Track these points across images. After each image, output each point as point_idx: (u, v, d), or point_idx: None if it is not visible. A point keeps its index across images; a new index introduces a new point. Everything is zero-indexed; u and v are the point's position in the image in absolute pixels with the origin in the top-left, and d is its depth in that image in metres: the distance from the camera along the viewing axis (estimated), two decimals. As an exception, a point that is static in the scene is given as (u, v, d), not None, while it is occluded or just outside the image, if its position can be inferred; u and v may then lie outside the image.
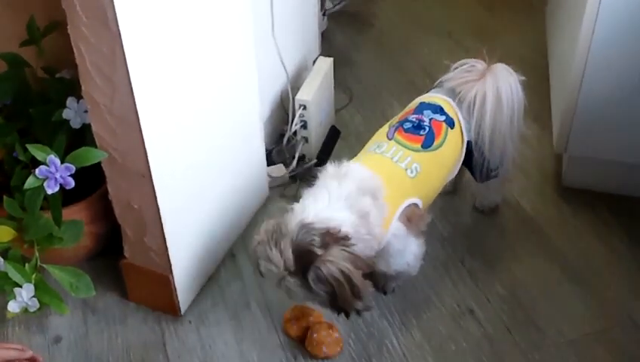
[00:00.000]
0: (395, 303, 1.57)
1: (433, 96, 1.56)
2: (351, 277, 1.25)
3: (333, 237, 1.26)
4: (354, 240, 1.28)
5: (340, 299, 1.26)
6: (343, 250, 1.26)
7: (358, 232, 1.30)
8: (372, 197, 1.34)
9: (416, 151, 1.44)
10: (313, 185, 1.40)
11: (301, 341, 1.48)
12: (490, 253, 1.68)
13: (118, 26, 1.12)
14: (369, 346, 1.48)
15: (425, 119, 1.49)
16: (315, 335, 1.46)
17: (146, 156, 1.30)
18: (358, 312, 1.33)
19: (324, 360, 1.46)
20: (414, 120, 1.49)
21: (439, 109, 1.51)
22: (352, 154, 1.51)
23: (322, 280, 1.24)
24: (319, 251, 1.24)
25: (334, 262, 1.24)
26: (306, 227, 1.27)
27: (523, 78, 1.54)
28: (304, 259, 1.24)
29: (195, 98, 1.42)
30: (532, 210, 1.79)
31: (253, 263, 1.36)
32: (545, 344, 1.47)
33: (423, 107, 1.53)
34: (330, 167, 1.40)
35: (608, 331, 1.49)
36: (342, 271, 1.24)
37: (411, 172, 1.41)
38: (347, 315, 1.32)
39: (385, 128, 1.52)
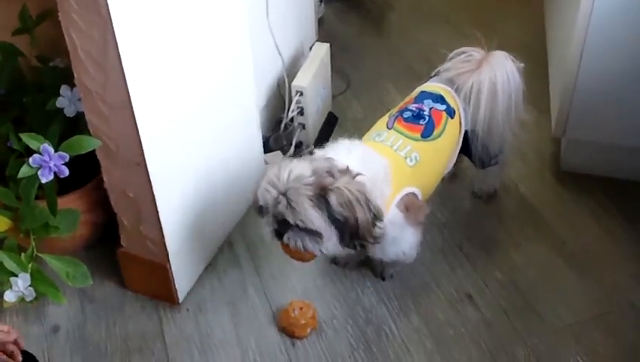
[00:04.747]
0: (393, 289, 1.57)
1: (434, 85, 1.55)
2: (369, 200, 1.24)
3: (350, 175, 1.27)
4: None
5: (360, 221, 1.24)
6: (357, 182, 1.27)
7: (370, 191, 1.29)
8: (384, 172, 1.34)
9: (416, 140, 1.43)
10: (327, 145, 1.40)
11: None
12: (489, 239, 1.68)
13: (108, 11, 1.11)
14: (367, 332, 1.48)
15: (425, 108, 1.48)
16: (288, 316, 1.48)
17: (141, 144, 1.29)
18: (358, 245, 1.30)
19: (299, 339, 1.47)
20: (414, 109, 1.48)
21: (440, 98, 1.50)
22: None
23: (344, 202, 1.22)
24: (337, 176, 1.24)
25: (353, 184, 1.24)
26: (328, 159, 1.28)
27: (522, 64, 1.53)
28: (322, 179, 1.23)
29: (189, 85, 1.41)
30: (530, 195, 1.79)
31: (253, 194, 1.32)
32: (543, 329, 1.46)
33: (423, 96, 1.52)
34: (341, 139, 1.40)
35: (607, 315, 1.48)
36: (361, 192, 1.24)
37: (410, 161, 1.40)
38: (362, 246, 1.30)
39: (385, 117, 1.51)
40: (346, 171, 1.27)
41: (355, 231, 1.26)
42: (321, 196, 1.23)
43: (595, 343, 1.43)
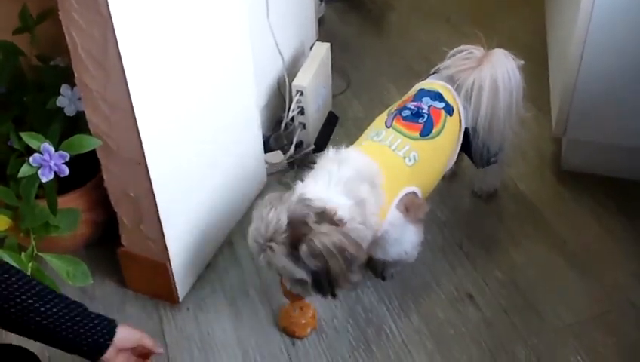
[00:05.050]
0: (393, 288, 1.57)
1: (432, 83, 1.55)
2: (344, 248, 1.23)
3: (327, 217, 1.25)
4: (347, 227, 1.27)
5: (333, 272, 1.24)
6: (336, 228, 1.24)
7: (353, 220, 1.29)
8: (370, 185, 1.33)
9: (415, 139, 1.43)
10: (313, 169, 1.39)
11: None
12: (489, 238, 1.68)
13: (109, 10, 1.11)
14: (367, 332, 1.48)
15: (424, 106, 1.48)
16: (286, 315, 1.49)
17: (141, 143, 1.29)
18: (332, 293, 1.29)
19: (298, 338, 1.48)
20: (413, 107, 1.47)
21: (438, 96, 1.50)
22: (350, 140, 1.51)
23: (315, 253, 1.22)
24: (313, 225, 1.23)
25: (328, 234, 1.22)
26: (304, 201, 1.26)
27: (522, 62, 1.53)
28: (298, 229, 1.22)
29: (189, 84, 1.41)
30: (531, 194, 1.78)
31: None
32: (544, 328, 1.46)
33: (422, 94, 1.51)
34: (330, 152, 1.39)
35: (608, 315, 1.48)
36: (334, 243, 1.22)
37: (409, 160, 1.40)
38: (334, 295, 1.29)
39: (384, 115, 1.51)
40: (323, 215, 1.25)
41: (330, 280, 1.26)
42: (295, 248, 1.23)
43: (596, 342, 1.43)
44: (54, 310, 1.08)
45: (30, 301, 1.06)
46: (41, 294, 1.08)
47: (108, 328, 1.14)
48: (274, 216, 1.24)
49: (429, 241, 1.64)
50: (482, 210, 1.75)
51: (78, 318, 1.11)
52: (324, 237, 1.22)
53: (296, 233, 1.22)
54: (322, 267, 1.23)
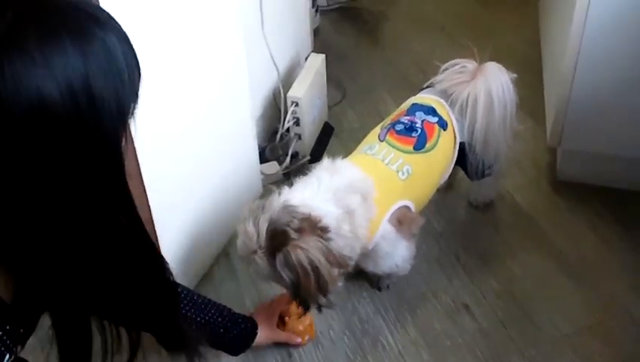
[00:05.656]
0: (389, 299, 1.56)
1: (426, 97, 1.55)
2: (319, 270, 1.20)
3: (311, 225, 1.22)
4: (333, 234, 1.24)
5: (303, 289, 1.22)
6: (319, 241, 1.22)
7: (340, 228, 1.27)
8: (362, 197, 1.32)
9: (408, 153, 1.43)
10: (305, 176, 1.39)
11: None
12: (485, 248, 1.68)
13: (104, 22, 1.11)
14: (364, 343, 1.47)
15: (417, 121, 1.48)
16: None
17: (136, 155, 1.28)
18: (320, 307, 1.28)
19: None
20: (406, 121, 1.47)
21: (432, 110, 1.50)
22: (345, 150, 1.51)
23: (289, 266, 1.19)
24: (294, 235, 1.20)
25: (306, 250, 1.19)
26: (287, 208, 1.24)
27: (515, 75, 1.54)
28: (277, 239, 1.21)
29: (185, 95, 1.41)
30: (527, 205, 1.79)
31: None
32: (541, 339, 1.46)
33: (415, 108, 1.51)
34: (325, 161, 1.39)
35: (604, 325, 1.48)
36: (311, 261, 1.19)
37: (402, 174, 1.40)
38: (306, 308, 1.28)
39: (377, 129, 1.51)
40: (307, 222, 1.22)
41: (299, 294, 1.24)
42: (274, 256, 1.22)
43: (592, 353, 1.43)
44: (211, 318, 1.31)
45: (194, 315, 1.29)
46: (202, 306, 1.31)
47: (251, 331, 1.39)
48: (254, 229, 1.23)
49: (425, 252, 1.63)
50: (478, 221, 1.75)
51: (229, 324, 1.34)
52: (301, 251, 1.19)
53: (275, 242, 1.21)
54: (295, 279, 1.21)
